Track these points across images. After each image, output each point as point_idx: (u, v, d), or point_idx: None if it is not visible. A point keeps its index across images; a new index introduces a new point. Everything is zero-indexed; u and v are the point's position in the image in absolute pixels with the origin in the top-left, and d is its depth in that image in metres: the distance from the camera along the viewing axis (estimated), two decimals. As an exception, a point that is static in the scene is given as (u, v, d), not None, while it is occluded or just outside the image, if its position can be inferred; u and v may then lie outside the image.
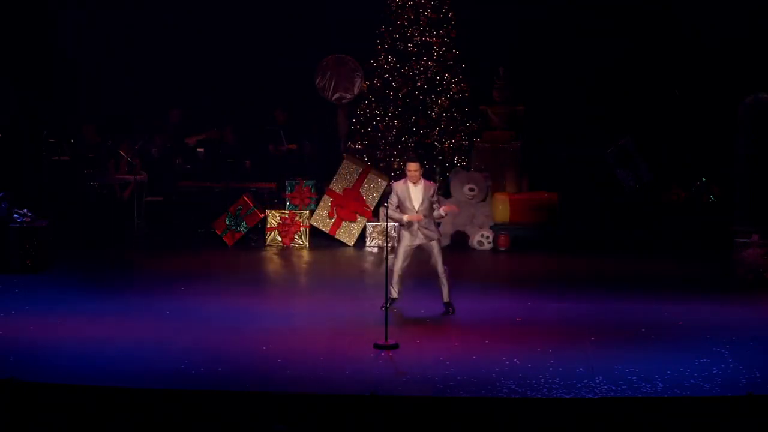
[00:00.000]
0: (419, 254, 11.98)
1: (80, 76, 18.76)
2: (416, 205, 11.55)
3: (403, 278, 11.79)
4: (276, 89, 18.90)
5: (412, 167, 11.60)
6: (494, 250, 16.34)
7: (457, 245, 16.52)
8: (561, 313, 11.82)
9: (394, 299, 11.69)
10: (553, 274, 14.45)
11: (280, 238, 16.41)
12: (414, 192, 11.60)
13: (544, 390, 8.80)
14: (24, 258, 13.78)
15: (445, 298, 11.71)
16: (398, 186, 11.68)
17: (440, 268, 11.66)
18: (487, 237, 16.47)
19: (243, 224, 16.43)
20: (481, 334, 10.73)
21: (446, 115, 17.57)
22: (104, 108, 18.30)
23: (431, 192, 11.63)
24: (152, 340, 10.40)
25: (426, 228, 11.62)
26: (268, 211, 16.50)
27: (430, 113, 17.57)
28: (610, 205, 16.94)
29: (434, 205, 11.68)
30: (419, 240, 11.65)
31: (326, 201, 16.57)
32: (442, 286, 11.69)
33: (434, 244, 11.68)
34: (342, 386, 8.93)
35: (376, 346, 10.11)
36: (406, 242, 11.69)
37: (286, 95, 18.67)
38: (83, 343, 10.19)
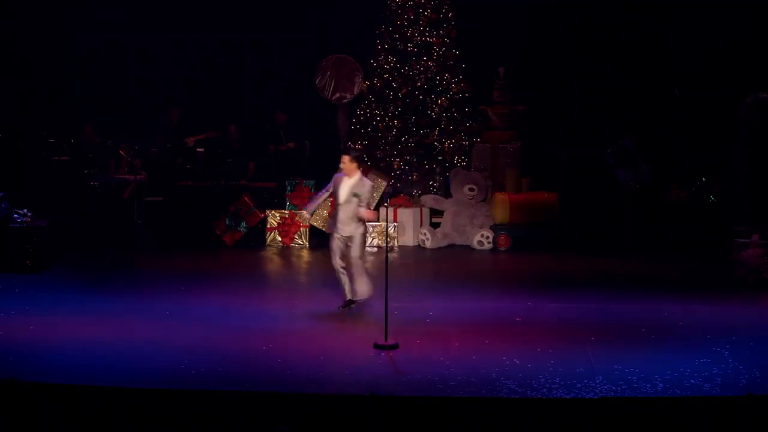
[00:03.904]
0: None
1: (81, 76, 18.75)
2: (341, 198, 11.59)
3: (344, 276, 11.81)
4: (276, 89, 18.89)
5: (345, 159, 11.65)
6: (494, 250, 16.35)
7: (457, 245, 16.53)
8: (561, 313, 11.82)
9: (351, 301, 11.77)
10: (553, 274, 14.45)
11: (280, 238, 16.41)
12: (343, 184, 11.63)
13: (544, 390, 8.79)
14: (24, 258, 13.78)
15: (348, 295, 11.75)
16: (337, 177, 11.72)
17: (349, 259, 11.68)
18: (487, 237, 16.48)
19: (243, 224, 16.44)
20: (481, 334, 10.73)
21: (446, 115, 17.56)
22: (104, 107, 18.28)
23: (361, 188, 11.56)
24: (152, 340, 10.40)
25: (345, 225, 11.62)
26: (268, 211, 16.51)
27: (430, 113, 17.57)
28: (610, 206, 16.93)
29: (358, 204, 11.57)
30: (344, 232, 11.67)
31: (326, 201, 16.56)
32: (345, 279, 11.73)
33: (352, 238, 11.68)
34: (342, 386, 8.92)
35: (376, 346, 10.11)
36: (335, 234, 11.74)
37: (286, 95, 18.66)
38: (83, 343, 10.19)
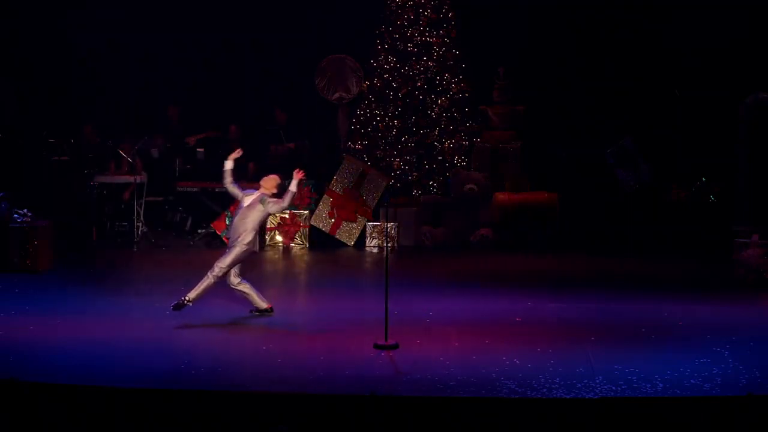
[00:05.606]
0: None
1: (80, 76, 18.75)
2: (245, 201, 11.44)
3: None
4: (276, 89, 18.89)
5: (274, 180, 11.63)
6: (494, 249, 16.34)
7: (458, 245, 16.53)
8: (561, 313, 11.82)
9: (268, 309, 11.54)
10: (553, 274, 14.45)
11: (280, 238, 16.41)
12: (253, 196, 11.52)
13: (544, 390, 8.79)
14: (24, 258, 13.78)
15: (191, 294, 11.25)
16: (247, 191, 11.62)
17: (216, 266, 11.35)
18: (487, 237, 16.47)
19: (243, 224, 16.41)
20: (481, 334, 10.73)
21: (446, 115, 17.57)
22: (104, 107, 18.29)
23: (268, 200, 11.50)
24: (152, 340, 10.40)
25: (236, 230, 11.41)
26: (268, 211, 16.49)
27: (430, 113, 17.57)
28: (610, 206, 16.94)
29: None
30: (232, 234, 11.49)
31: (326, 201, 16.58)
32: (202, 282, 11.29)
33: (233, 247, 11.38)
34: (342, 386, 8.92)
35: (376, 346, 10.10)
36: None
37: (286, 95, 18.66)
38: (83, 343, 10.18)
